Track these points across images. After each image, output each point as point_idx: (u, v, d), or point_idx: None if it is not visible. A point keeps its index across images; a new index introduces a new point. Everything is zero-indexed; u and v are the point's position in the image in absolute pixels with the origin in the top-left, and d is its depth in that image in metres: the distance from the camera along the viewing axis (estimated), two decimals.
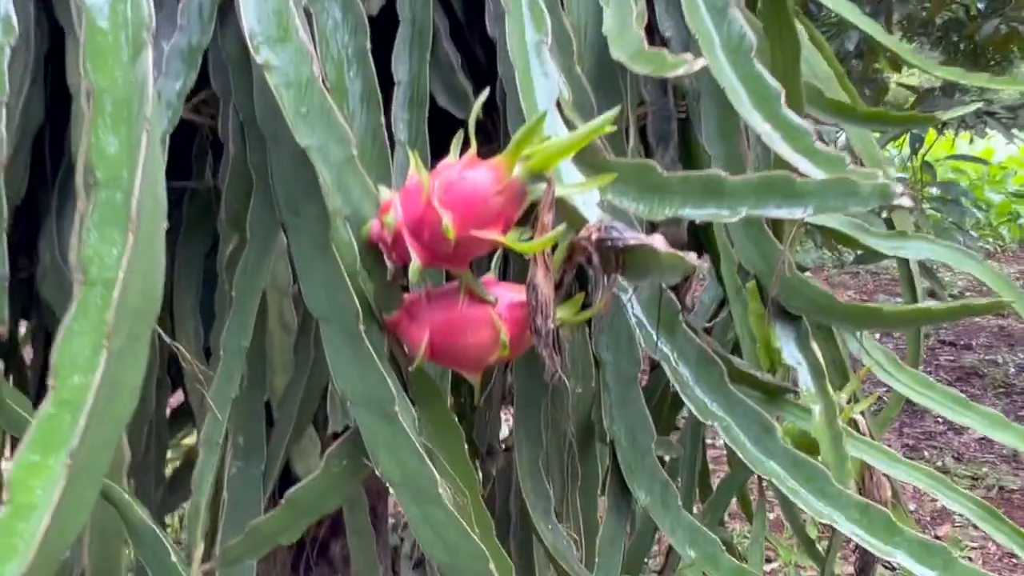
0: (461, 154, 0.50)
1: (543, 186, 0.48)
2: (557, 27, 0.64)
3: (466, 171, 0.48)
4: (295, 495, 0.56)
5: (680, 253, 0.42)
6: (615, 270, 0.46)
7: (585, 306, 0.56)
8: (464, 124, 0.52)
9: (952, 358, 3.78)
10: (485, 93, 0.50)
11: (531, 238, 0.48)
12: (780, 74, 0.71)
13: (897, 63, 2.46)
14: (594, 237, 0.46)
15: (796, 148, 0.52)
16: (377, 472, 0.52)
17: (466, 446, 0.56)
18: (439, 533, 0.51)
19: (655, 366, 1.11)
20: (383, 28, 0.68)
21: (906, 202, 0.44)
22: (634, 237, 0.45)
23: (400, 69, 0.66)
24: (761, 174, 0.48)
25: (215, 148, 0.71)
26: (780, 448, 0.53)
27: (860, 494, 0.68)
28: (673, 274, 0.43)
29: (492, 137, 0.72)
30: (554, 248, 0.50)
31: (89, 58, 0.42)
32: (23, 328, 0.90)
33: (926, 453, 2.88)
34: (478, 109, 0.48)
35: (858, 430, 0.88)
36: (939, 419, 3.05)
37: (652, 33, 0.71)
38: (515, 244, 0.48)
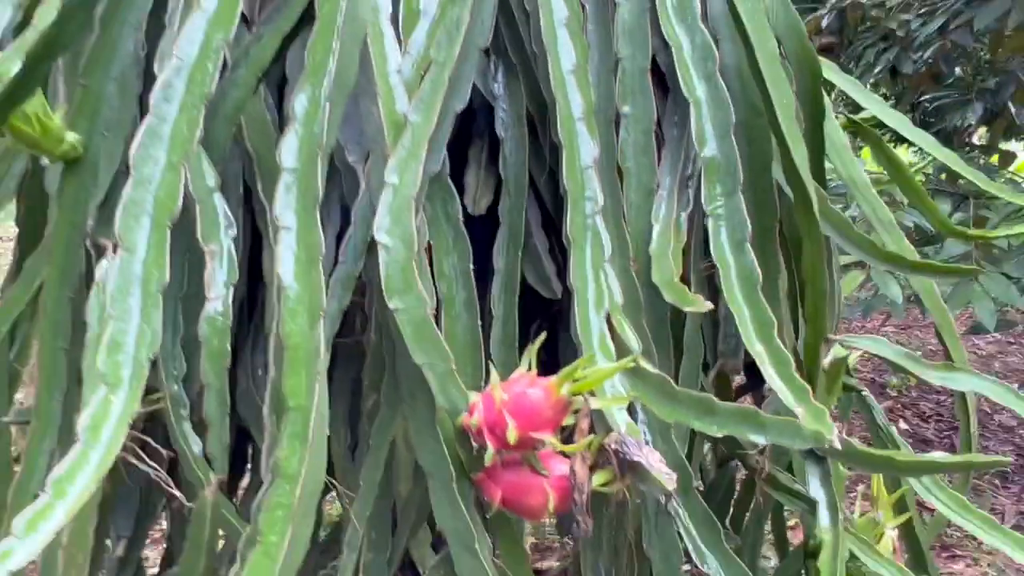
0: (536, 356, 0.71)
1: (582, 399, 0.68)
2: (617, 236, 0.83)
3: (527, 388, 0.69)
4: None
5: (664, 475, 0.61)
6: (625, 471, 0.65)
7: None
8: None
9: None
10: (542, 337, 0.70)
11: (572, 435, 0.68)
12: (808, 273, 0.88)
13: None
14: (612, 447, 0.66)
15: (779, 373, 0.69)
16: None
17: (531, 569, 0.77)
18: None
19: (722, 462, 1.28)
20: (483, 221, 0.90)
21: (837, 445, 0.60)
22: (638, 455, 0.64)
23: (499, 260, 0.87)
24: (738, 406, 0.65)
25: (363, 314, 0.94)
26: None
27: None
28: (659, 490, 0.61)
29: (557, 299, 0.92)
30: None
31: (285, 319, 0.66)
32: None
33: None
34: (538, 345, 0.69)
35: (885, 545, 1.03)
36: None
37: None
38: (560, 446, 0.68)
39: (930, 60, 2.52)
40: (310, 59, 0.74)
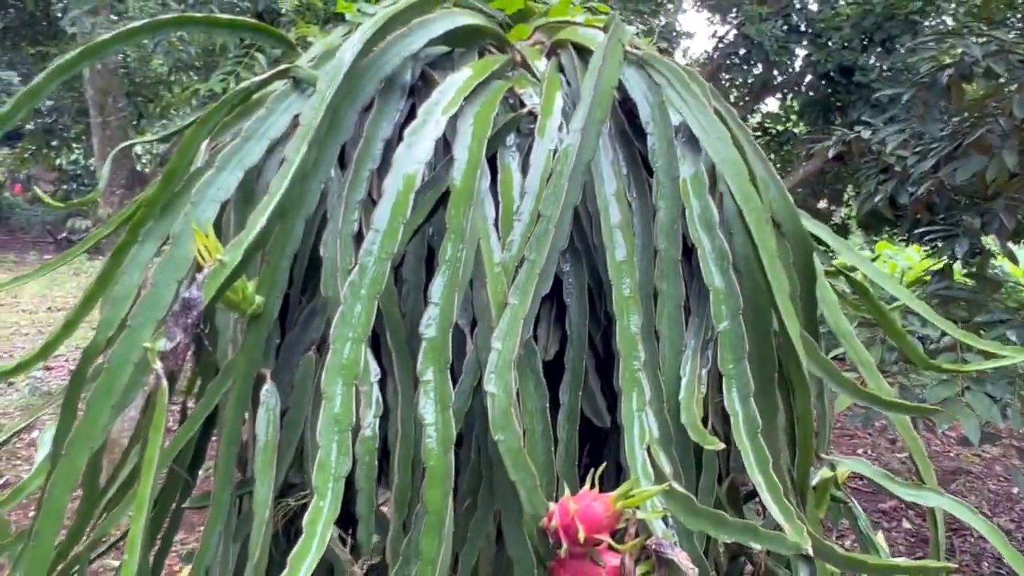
0: (593, 482, 0.98)
1: (631, 511, 0.96)
2: (653, 384, 1.11)
3: (592, 503, 0.96)
4: None
5: (690, 570, 0.88)
6: (662, 565, 0.92)
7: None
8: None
9: None
10: (603, 467, 0.98)
11: (623, 539, 0.95)
12: (800, 416, 1.16)
13: None
14: (653, 547, 0.93)
15: (772, 497, 0.96)
16: None
17: None
18: None
19: (733, 557, 1.52)
20: (550, 364, 1.19)
21: (809, 553, 0.87)
22: (672, 553, 0.91)
23: (564, 396, 1.16)
24: (744, 521, 0.92)
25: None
26: None
27: None
28: (691, 571, 0.88)
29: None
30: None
31: (426, 448, 0.94)
32: None
33: None
34: (600, 471, 0.97)
35: None
36: None
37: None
38: (615, 545, 0.95)
39: (924, 193, 2.84)
40: (442, 255, 1.04)
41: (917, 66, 2.93)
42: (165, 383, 0.99)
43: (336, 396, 0.91)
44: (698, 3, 8.45)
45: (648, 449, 1.05)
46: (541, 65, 1.32)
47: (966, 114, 2.68)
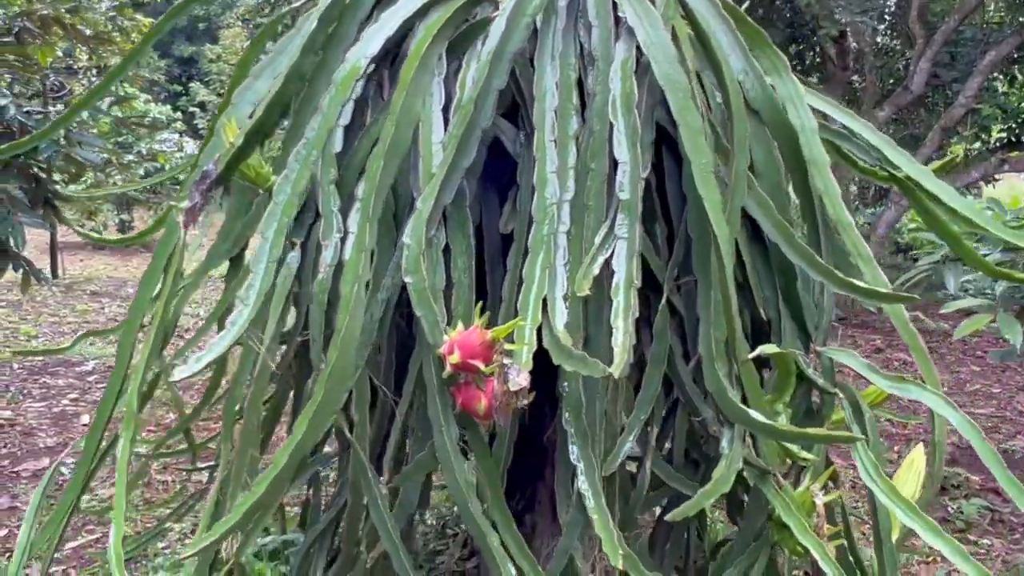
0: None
1: (499, 344, 1.12)
2: (576, 250, 1.24)
3: (470, 334, 1.14)
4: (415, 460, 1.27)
5: (514, 383, 1.03)
6: (506, 381, 1.09)
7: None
8: None
9: None
10: (479, 307, 1.16)
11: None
12: (721, 291, 1.22)
13: None
14: (505, 367, 1.09)
15: (623, 337, 1.07)
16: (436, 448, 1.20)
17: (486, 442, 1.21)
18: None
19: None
20: (508, 237, 1.36)
21: (615, 374, 0.99)
22: (511, 372, 1.07)
23: (510, 262, 1.33)
24: (583, 355, 1.05)
25: None
26: None
27: None
28: (516, 387, 1.04)
29: None
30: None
31: (342, 281, 1.19)
32: None
33: None
34: (478, 309, 1.14)
35: (815, 511, 1.30)
36: None
37: None
38: (484, 368, 1.12)
39: None
40: (382, 134, 1.27)
41: None
42: (183, 232, 1.33)
43: (269, 234, 1.19)
44: None
45: (544, 301, 1.19)
46: None
47: None
